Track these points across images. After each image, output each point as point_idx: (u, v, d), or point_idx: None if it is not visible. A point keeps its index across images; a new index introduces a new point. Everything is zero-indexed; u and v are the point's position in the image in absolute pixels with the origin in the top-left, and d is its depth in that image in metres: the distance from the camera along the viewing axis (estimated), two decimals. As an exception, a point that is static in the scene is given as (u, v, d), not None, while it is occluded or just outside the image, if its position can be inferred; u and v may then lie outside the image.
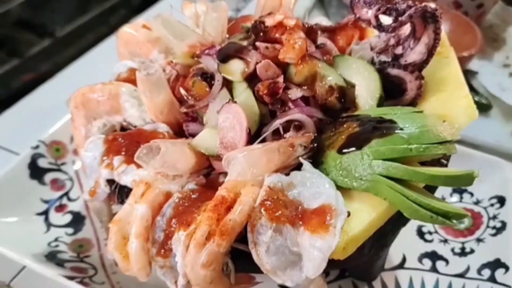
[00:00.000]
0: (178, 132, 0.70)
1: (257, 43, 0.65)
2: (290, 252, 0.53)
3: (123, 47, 0.82)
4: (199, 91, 0.67)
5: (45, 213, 0.88)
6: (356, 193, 0.57)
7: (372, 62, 0.69)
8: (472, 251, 0.83)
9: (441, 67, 0.69)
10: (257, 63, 0.64)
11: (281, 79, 0.63)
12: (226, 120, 0.62)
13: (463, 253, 0.83)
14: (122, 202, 0.65)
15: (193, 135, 0.69)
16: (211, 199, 0.59)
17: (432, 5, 0.64)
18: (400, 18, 0.64)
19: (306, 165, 0.59)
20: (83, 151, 0.68)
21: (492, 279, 0.76)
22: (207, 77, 0.69)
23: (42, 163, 0.93)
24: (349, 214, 0.54)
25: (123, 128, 0.72)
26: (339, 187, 0.57)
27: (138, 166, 0.63)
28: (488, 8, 1.43)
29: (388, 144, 0.55)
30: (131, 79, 0.76)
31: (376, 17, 0.65)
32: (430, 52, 0.66)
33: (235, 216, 0.52)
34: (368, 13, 0.71)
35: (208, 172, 0.66)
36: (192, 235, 0.55)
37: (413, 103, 0.67)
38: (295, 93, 0.63)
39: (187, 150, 0.62)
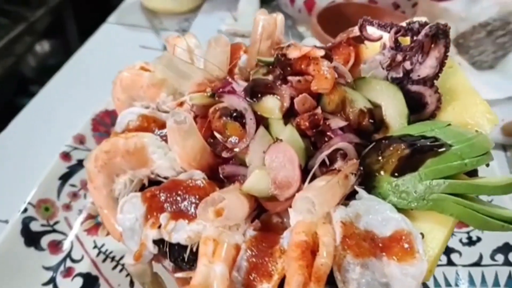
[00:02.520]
0: (211, 176, 0.67)
1: (290, 77, 0.65)
2: (379, 284, 0.54)
3: (122, 92, 0.77)
4: (233, 132, 0.66)
5: (52, 281, 0.81)
6: (417, 213, 0.59)
7: (386, 80, 0.72)
8: (479, 239, 0.90)
9: (448, 77, 0.73)
10: (291, 97, 0.64)
11: (319, 110, 0.64)
12: (275, 160, 0.61)
13: (471, 242, 0.90)
14: (175, 261, 0.62)
15: (228, 177, 0.67)
16: (276, 242, 0.58)
17: (442, 21, 0.68)
18: (416, 37, 0.68)
19: (362, 193, 0.60)
20: (119, 214, 0.63)
21: (508, 262, 0.83)
22: (236, 116, 0.67)
23: (35, 227, 0.85)
24: (423, 236, 0.56)
25: (150, 181, 0.68)
26: (399, 210, 0.59)
27: (189, 220, 0.61)
28: (421, 6, 1.54)
29: (443, 162, 0.58)
30: (143, 127, 0.72)
31: (396, 39, 0.68)
32: (441, 65, 0.70)
33: (326, 260, 0.52)
34: (376, 33, 0.74)
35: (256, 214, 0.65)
36: (275, 286, 0.54)
37: (433, 115, 0.71)
38: (336, 122, 0.64)
39: (242, 197, 0.60)
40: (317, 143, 0.64)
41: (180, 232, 0.60)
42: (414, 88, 0.70)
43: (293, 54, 0.66)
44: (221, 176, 0.67)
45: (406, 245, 0.55)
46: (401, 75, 0.72)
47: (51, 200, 0.89)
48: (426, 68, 0.71)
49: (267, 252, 0.57)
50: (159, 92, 0.74)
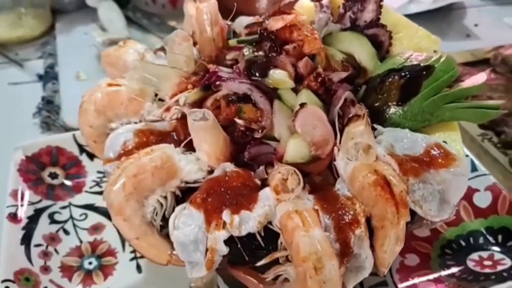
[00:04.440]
0: (235, 164, 0.67)
1: (286, 46, 0.67)
2: (437, 192, 0.62)
3: (97, 117, 0.69)
4: (250, 114, 0.66)
5: None
6: (428, 129, 0.69)
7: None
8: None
9: (383, 16, 0.83)
10: (292, 64, 0.67)
11: (320, 69, 0.68)
12: (305, 124, 0.64)
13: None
14: (251, 252, 0.61)
15: (253, 159, 0.67)
16: (336, 196, 0.62)
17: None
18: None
19: (380, 128, 0.67)
20: (173, 231, 0.59)
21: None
22: (241, 99, 0.67)
23: (25, 303, 0.72)
24: (446, 142, 0.66)
25: (182, 191, 0.64)
26: (415, 131, 0.67)
27: (248, 208, 0.60)
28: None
29: (436, 80, 0.68)
30: (143, 142, 0.67)
31: (347, -6, 0.76)
32: (380, 7, 0.80)
33: (402, 186, 0.58)
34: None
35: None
36: (365, 228, 0.58)
37: (387, 51, 0.81)
38: (337, 75, 0.69)
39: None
40: (325, 99, 0.69)
41: (249, 222, 0.59)
42: (370, 31, 0.78)
43: (276, 25, 0.69)
44: (246, 159, 0.67)
45: (442, 153, 0.63)
46: (349, 24, 0.81)
47: (27, 268, 0.76)
48: (368, 12, 0.80)
49: (338, 205, 0.61)
50: (142, 103, 0.70)
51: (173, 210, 0.62)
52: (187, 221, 0.59)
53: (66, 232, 0.88)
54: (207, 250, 0.60)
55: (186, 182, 0.64)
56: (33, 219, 0.86)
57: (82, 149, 0.98)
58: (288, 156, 0.63)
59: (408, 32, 0.81)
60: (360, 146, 0.61)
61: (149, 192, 0.62)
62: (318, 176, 0.66)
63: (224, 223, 0.59)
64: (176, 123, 0.70)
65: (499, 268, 0.80)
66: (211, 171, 0.65)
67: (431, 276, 0.81)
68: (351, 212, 0.59)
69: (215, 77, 0.70)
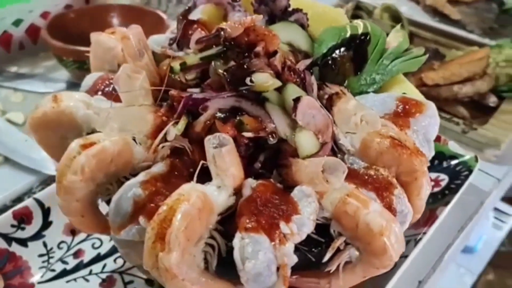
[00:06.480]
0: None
1: (256, 49, 0.67)
2: (423, 135, 0.71)
3: (83, 187, 0.58)
4: (253, 124, 0.64)
5: None
6: (384, 87, 0.78)
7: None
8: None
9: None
10: (268, 64, 0.67)
11: (288, 62, 0.70)
12: (305, 116, 0.65)
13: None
14: (318, 252, 0.62)
15: (264, 166, 0.67)
16: (356, 171, 0.66)
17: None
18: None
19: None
20: (244, 265, 0.56)
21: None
22: (230, 114, 0.65)
23: None
24: (405, 93, 0.76)
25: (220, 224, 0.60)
26: (376, 92, 0.76)
27: (295, 213, 0.60)
28: None
29: (375, 43, 0.77)
30: (155, 192, 0.60)
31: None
32: (291, -5, 0.85)
33: (410, 139, 0.66)
34: None
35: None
36: (400, 186, 0.65)
37: (307, 32, 0.86)
38: (302, 63, 0.72)
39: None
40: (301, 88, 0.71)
41: (305, 224, 0.60)
42: (293, 18, 0.82)
43: (236, 32, 0.67)
44: (257, 169, 0.66)
45: (411, 103, 0.72)
46: (267, 17, 0.84)
47: None
48: (281, 2, 0.84)
49: (365, 177, 0.65)
50: (130, 153, 0.61)
51: (226, 246, 0.59)
52: (255, 248, 0.56)
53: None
54: (277, 268, 0.58)
55: (221, 214, 0.61)
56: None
57: (8, 238, 0.81)
58: (303, 150, 0.64)
59: (316, 10, 0.87)
60: (364, 118, 0.66)
61: (199, 239, 0.57)
62: (324, 161, 0.69)
63: (284, 235, 0.58)
64: (171, 161, 0.64)
65: (443, 184, 0.96)
66: (235, 193, 0.62)
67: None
68: (381, 178, 0.64)
69: (191, 100, 0.66)
